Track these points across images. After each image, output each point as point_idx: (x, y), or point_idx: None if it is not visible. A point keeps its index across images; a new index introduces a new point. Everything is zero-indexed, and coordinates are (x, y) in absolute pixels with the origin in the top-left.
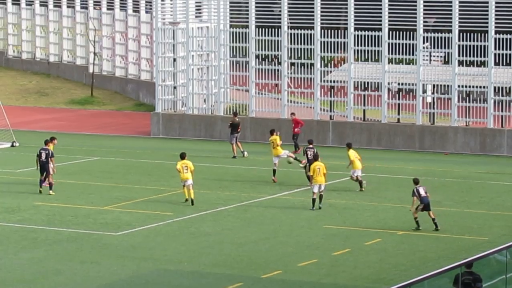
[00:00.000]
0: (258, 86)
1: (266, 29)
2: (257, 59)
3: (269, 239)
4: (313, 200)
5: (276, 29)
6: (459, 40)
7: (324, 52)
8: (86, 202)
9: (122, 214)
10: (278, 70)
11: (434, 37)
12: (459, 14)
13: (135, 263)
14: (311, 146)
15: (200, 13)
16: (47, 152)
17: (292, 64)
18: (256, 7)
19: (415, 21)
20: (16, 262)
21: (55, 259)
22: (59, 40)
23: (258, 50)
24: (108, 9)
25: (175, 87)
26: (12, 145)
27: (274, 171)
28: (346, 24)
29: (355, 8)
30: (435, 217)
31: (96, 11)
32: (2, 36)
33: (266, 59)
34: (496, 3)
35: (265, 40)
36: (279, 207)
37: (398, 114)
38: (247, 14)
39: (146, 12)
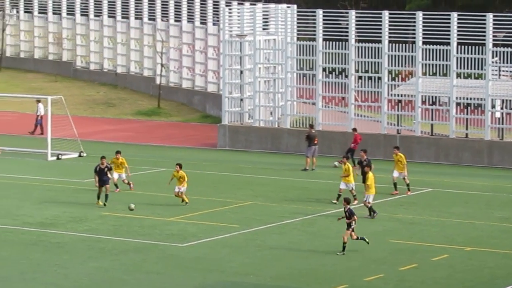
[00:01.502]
0: (325, 99)
1: (333, 42)
2: (324, 72)
3: (335, 252)
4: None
5: (344, 42)
6: None
7: (391, 65)
8: (152, 213)
9: (188, 225)
10: (345, 83)
11: (503, 52)
12: None
13: (201, 274)
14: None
15: (267, 25)
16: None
17: (359, 77)
18: (323, 20)
19: (484, 36)
20: (83, 272)
21: (121, 269)
22: (126, 51)
23: (325, 63)
24: (175, 20)
25: (241, 99)
26: (80, 155)
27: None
28: (414, 38)
29: (423, 22)
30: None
31: (163, 23)
32: (71, 47)
33: (333, 72)
34: None
35: (332, 53)
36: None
37: (466, 129)
38: (315, 27)
39: (214, 24)
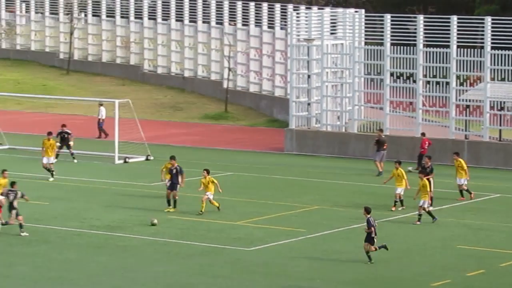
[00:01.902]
0: (393, 104)
1: (401, 47)
2: (391, 77)
3: (401, 258)
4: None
5: (412, 47)
6: None
7: (459, 70)
8: (219, 216)
9: (255, 229)
10: (413, 88)
11: None
12: None
13: (268, 278)
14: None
15: (335, 30)
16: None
17: (427, 82)
18: (391, 24)
19: None
20: (150, 275)
21: (188, 273)
22: (194, 55)
23: (393, 67)
24: (243, 25)
25: (309, 104)
26: (147, 159)
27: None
28: (483, 43)
29: (492, 27)
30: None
31: (231, 27)
32: (138, 51)
33: (401, 77)
34: None
35: (400, 58)
36: (412, 226)
37: None
38: (382, 32)
39: (281, 28)
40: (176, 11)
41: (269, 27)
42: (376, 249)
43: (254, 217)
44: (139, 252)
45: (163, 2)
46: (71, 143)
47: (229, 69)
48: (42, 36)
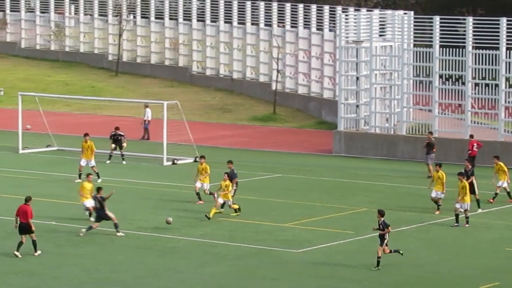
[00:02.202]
0: (441, 106)
1: (450, 49)
2: (440, 79)
3: (450, 260)
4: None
5: (461, 49)
6: None
7: (509, 73)
8: (267, 218)
9: (303, 231)
10: (461, 90)
11: None
12: None
13: (315, 280)
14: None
15: (384, 32)
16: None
17: (476, 84)
18: (440, 26)
19: None
20: (198, 277)
21: (236, 275)
22: (242, 57)
23: (442, 69)
24: (292, 26)
25: (357, 106)
26: (195, 160)
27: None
28: None
29: None
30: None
31: (280, 29)
32: (187, 53)
33: (450, 79)
34: None
35: (449, 60)
36: (461, 228)
37: None
38: (431, 34)
39: (330, 30)
40: (225, 13)
41: (317, 29)
42: (390, 251)
43: (302, 219)
44: (187, 254)
45: (212, 3)
46: (124, 144)
47: (278, 71)
48: (91, 38)
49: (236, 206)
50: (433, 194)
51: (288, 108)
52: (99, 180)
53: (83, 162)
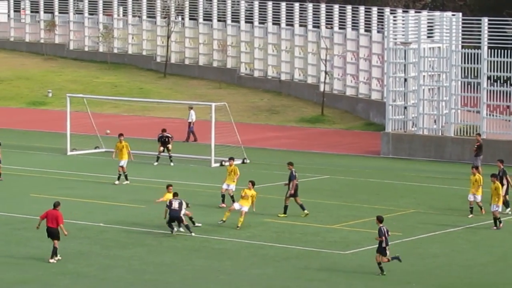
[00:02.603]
0: (489, 107)
1: (499, 51)
2: (488, 81)
3: (498, 262)
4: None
5: (509, 51)
6: None
7: None
8: (315, 220)
9: (351, 233)
10: (510, 92)
11: None
12: None
13: (363, 282)
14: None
15: (432, 33)
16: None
17: None
18: (488, 28)
19: None
20: (245, 278)
21: (283, 276)
22: (290, 59)
23: (490, 71)
24: (340, 28)
25: (405, 107)
26: (243, 162)
27: None
28: None
29: None
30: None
31: (328, 30)
32: (235, 54)
33: (498, 81)
34: None
35: (497, 61)
36: (509, 230)
37: None
38: (480, 35)
39: (378, 31)
40: (273, 15)
41: (366, 31)
42: (388, 260)
43: (350, 221)
44: (234, 255)
45: (260, 5)
46: (169, 146)
47: (326, 73)
48: (139, 39)
49: (241, 220)
50: (471, 198)
51: (336, 109)
52: (125, 182)
53: (122, 163)
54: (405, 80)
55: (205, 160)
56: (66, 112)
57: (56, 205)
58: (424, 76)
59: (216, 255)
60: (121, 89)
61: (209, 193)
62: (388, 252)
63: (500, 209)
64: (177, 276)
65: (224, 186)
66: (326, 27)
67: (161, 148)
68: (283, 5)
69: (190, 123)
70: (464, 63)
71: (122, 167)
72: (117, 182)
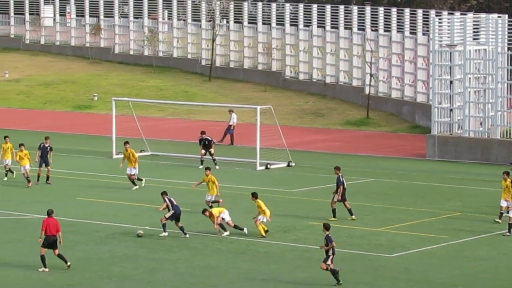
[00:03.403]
0: None
1: None
2: None
3: None
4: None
5: None
6: None
7: None
8: (361, 223)
9: (397, 236)
10: None
11: None
12: None
13: (408, 285)
14: None
15: (477, 35)
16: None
17: None
18: None
19: None
20: (291, 281)
21: (329, 280)
22: (335, 61)
23: None
24: (385, 30)
25: (451, 110)
26: (288, 165)
27: None
28: None
29: None
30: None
31: (373, 33)
32: (280, 57)
33: None
34: None
35: None
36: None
37: None
38: None
39: (423, 34)
40: (318, 17)
41: (411, 33)
42: (327, 268)
43: (396, 224)
44: (280, 259)
45: (305, 8)
46: (211, 150)
47: (371, 75)
48: (184, 43)
49: (263, 229)
50: (503, 204)
51: (381, 112)
52: (134, 188)
53: (128, 171)
54: (451, 82)
55: (250, 163)
56: (111, 115)
57: (50, 213)
58: (469, 78)
59: (262, 258)
60: (166, 92)
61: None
62: (329, 262)
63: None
64: (223, 279)
65: (208, 198)
66: (371, 30)
67: (203, 151)
68: (328, 7)
69: (231, 125)
70: (510, 65)
71: (130, 174)
72: (134, 187)
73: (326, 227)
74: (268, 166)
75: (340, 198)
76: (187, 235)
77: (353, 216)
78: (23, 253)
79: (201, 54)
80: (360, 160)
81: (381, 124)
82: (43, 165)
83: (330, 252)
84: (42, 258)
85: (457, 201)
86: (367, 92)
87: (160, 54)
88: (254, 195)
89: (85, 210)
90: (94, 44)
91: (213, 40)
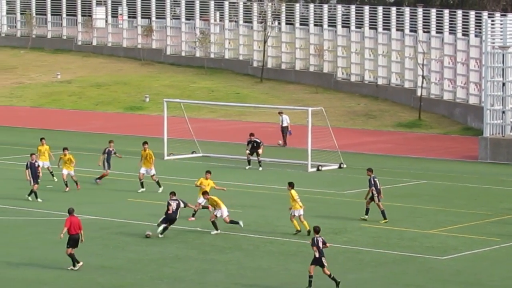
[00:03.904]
0: None
1: None
2: None
3: None
4: None
5: None
6: None
7: None
8: (412, 225)
9: (448, 238)
10: None
11: None
12: None
13: (460, 287)
14: None
15: None
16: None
17: None
18: None
19: None
20: (342, 283)
21: (380, 282)
22: (387, 63)
23: None
24: (437, 32)
25: (503, 112)
26: (340, 167)
27: None
28: None
29: None
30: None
31: (425, 34)
32: (331, 59)
33: None
34: None
35: None
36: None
37: None
38: None
39: (476, 35)
40: (370, 19)
41: (463, 35)
42: (330, 274)
43: (447, 226)
44: (331, 260)
45: (357, 9)
46: (260, 151)
47: (423, 77)
48: (236, 44)
49: (301, 224)
50: None
51: (433, 114)
52: (160, 190)
53: (142, 171)
54: (503, 84)
55: (301, 165)
56: (163, 117)
57: (72, 211)
58: None
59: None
60: (217, 94)
61: (306, 198)
62: (320, 259)
63: None
64: (274, 281)
65: (200, 201)
66: (423, 31)
67: (248, 151)
68: (380, 9)
69: (286, 127)
70: None
71: (143, 174)
72: (140, 190)
73: (316, 230)
74: (320, 167)
75: (366, 197)
76: (161, 236)
77: (367, 216)
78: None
79: (252, 55)
80: (412, 162)
81: (433, 126)
82: (108, 167)
83: (318, 254)
84: (71, 256)
85: (509, 204)
86: (419, 94)
87: (212, 56)
88: (291, 185)
89: (136, 211)
90: (146, 45)
91: (265, 42)
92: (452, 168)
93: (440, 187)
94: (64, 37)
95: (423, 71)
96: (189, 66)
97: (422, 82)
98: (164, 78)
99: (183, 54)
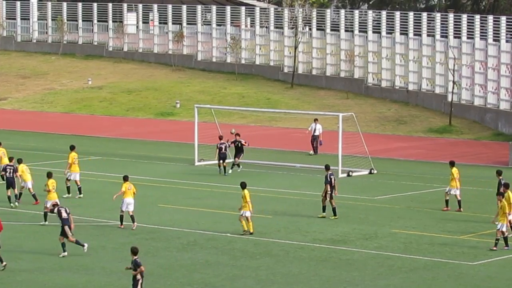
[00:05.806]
0: None
1: None
2: None
3: None
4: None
5: None
6: None
7: None
8: (442, 230)
9: (479, 243)
10: None
11: None
12: None
13: None
14: None
15: None
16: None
17: None
18: None
19: None
20: None
21: (410, 287)
22: (418, 69)
23: None
24: (468, 38)
25: None
26: (370, 172)
27: None
28: None
29: None
30: None
31: (456, 40)
32: (362, 64)
33: None
34: None
35: None
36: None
37: None
38: None
39: (507, 41)
40: (401, 24)
41: (494, 40)
42: None
43: (478, 231)
44: (362, 266)
45: (387, 15)
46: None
47: (454, 83)
48: (267, 50)
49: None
50: None
51: (464, 119)
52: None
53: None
54: None
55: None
56: (194, 122)
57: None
58: None
59: (343, 265)
60: (248, 99)
61: (336, 203)
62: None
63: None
64: (305, 286)
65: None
66: (454, 37)
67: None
68: (411, 15)
69: (317, 136)
70: None
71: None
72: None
73: (134, 251)
74: (350, 173)
75: (322, 194)
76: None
77: (336, 216)
78: (104, 260)
79: (283, 61)
80: (443, 167)
81: (464, 132)
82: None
83: (139, 276)
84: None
85: None
86: (450, 99)
87: (243, 61)
88: (242, 185)
89: (167, 216)
90: (177, 51)
91: (296, 47)
92: (483, 174)
93: (471, 193)
94: (95, 43)
95: (454, 76)
96: (220, 71)
97: (453, 88)
98: (195, 84)
99: (214, 60)
